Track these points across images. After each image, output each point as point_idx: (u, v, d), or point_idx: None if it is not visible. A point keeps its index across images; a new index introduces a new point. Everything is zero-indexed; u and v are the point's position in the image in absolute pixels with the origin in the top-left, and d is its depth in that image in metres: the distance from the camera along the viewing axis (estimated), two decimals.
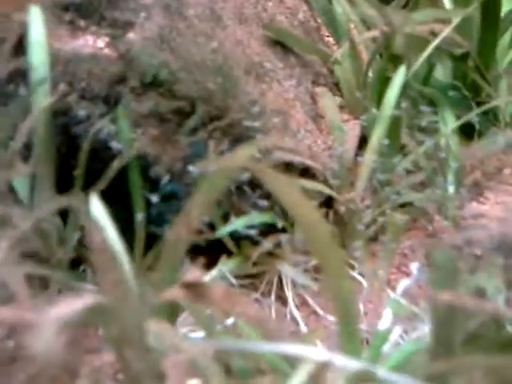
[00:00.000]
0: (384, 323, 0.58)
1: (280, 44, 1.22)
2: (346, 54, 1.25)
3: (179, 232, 0.52)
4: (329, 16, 1.45)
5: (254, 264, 0.97)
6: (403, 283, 0.77)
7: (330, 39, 1.49)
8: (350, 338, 0.49)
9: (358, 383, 0.45)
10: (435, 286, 0.47)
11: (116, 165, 0.77)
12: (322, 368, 0.46)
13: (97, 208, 0.53)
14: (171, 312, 0.57)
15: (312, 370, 0.46)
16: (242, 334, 0.57)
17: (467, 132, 1.29)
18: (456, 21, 1.20)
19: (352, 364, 0.45)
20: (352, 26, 1.36)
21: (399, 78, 1.03)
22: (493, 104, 1.19)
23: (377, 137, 1.03)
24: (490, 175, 1.14)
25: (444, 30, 1.22)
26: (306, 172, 1.04)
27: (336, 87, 1.35)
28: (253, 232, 0.91)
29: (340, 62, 1.28)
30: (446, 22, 1.36)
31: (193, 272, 0.49)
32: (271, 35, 1.18)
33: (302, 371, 0.46)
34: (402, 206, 1.09)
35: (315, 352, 0.47)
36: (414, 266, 0.84)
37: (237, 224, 0.89)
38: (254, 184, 0.97)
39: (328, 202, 1.07)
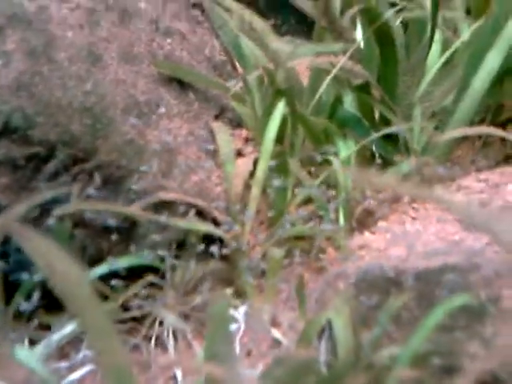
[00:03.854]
0: None
1: (177, 80, 1.22)
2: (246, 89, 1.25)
3: None
4: (238, 50, 1.46)
5: (134, 308, 0.95)
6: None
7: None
8: None
9: None
10: (208, 340, 0.45)
11: None
12: None
13: None
14: None
15: None
16: None
17: (372, 162, 1.29)
18: (349, 52, 1.22)
19: None
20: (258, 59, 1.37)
21: (278, 112, 1.04)
22: (389, 131, 1.19)
23: (261, 172, 1.02)
24: (388, 204, 1.14)
25: (340, 61, 1.23)
26: (191, 210, 1.03)
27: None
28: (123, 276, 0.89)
29: (242, 96, 1.29)
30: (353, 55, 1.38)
31: None
32: (165, 72, 1.18)
33: None
34: (296, 238, 1.08)
35: None
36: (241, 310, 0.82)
37: (105, 268, 0.87)
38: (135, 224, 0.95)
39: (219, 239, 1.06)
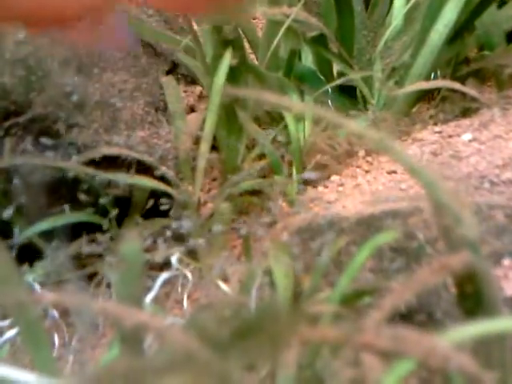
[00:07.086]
0: None
1: None
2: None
3: None
4: None
5: (84, 265, 0.92)
6: (163, 277, 0.73)
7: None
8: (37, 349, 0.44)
9: None
10: (120, 282, 0.43)
11: None
12: None
13: None
14: None
15: None
16: None
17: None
18: (301, 2, 1.18)
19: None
20: None
21: (225, 63, 1.00)
22: (342, 81, 1.17)
23: (209, 126, 0.99)
24: (342, 158, 1.12)
25: (294, 12, 1.19)
26: (138, 167, 0.99)
27: None
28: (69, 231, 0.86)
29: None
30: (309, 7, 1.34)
31: None
32: None
33: None
34: (250, 194, 1.05)
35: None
36: (173, 259, 0.80)
37: (45, 225, 0.84)
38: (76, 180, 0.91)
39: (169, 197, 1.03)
